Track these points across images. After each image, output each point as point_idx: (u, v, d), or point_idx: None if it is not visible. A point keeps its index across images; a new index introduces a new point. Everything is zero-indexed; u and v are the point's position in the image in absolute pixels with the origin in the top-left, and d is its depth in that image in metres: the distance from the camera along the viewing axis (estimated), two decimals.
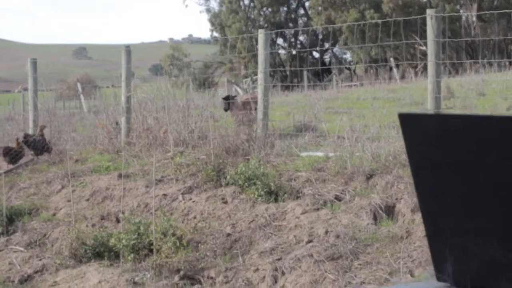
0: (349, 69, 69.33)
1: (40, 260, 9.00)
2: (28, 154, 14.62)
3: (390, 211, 8.31)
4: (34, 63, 16.39)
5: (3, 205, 10.58)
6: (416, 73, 30.56)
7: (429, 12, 9.85)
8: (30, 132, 15.70)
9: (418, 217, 7.88)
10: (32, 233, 10.02)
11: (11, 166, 13.83)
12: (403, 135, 1.71)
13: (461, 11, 55.12)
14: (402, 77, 33.52)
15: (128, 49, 14.32)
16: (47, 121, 16.53)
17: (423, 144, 1.68)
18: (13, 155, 14.15)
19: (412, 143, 1.71)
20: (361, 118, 14.36)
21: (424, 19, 10.53)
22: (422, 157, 1.69)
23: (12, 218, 10.73)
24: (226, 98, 14.79)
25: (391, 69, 38.63)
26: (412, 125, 1.68)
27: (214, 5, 78.30)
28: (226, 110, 14.50)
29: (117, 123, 15.25)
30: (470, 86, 21.45)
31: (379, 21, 13.35)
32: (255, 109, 12.89)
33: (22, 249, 9.53)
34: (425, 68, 16.99)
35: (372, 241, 7.42)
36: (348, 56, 71.20)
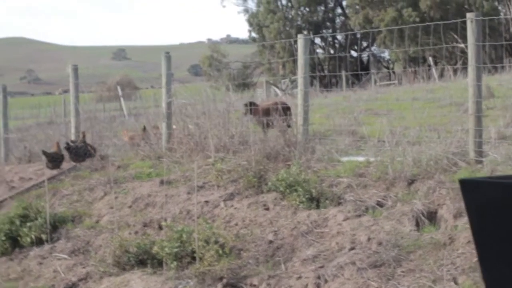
0: (387, 67, 68.97)
1: (84, 267, 9.09)
2: (70, 160, 14.79)
3: (432, 217, 8.28)
4: (76, 69, 16.51)
5: (46, 213, 10.68)
6: (455, 71, 30.29)
7: (469, 16, 9.78)
8: (72, 137, 15.88)
9: (461, 222, 7.84)
10: (76, 241, 10.13)
11: (54, 173, 13.99)
12: (464, 201, 1.60)
13: (499, 7, 54.49)
14: (441, 75, 33.22)
15: (168, 55, 14.39)
16: (89, 127, 16.70)
17: (486, 212, 1.57)
18: (55, 160, 14.43)
19: (474, 211, 1.59)
20: (401, 120, 14.30)
21: (463, 16, 10.48)
22: (486, 226, 1.58)
23: (56, 225, 10.84)
24: (248, 105, 14.73)
25: (429, 67, 38.34)
26: (473, 191, 1.57)
27: (252, 5, 78.02)
28: (245, 114, 14.42)
29: (144, 128, 15.39)
30: (509, 85, 21.25)
31: (420, 24, 13.25)
32: (280, 114, 13.05)
33: (66, 256, 9.63)
34: (464, 65, 16.83)
35: (415, 248, 7.39)
36: (386, 54, 70.77)
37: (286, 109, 13.97)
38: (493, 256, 1.60)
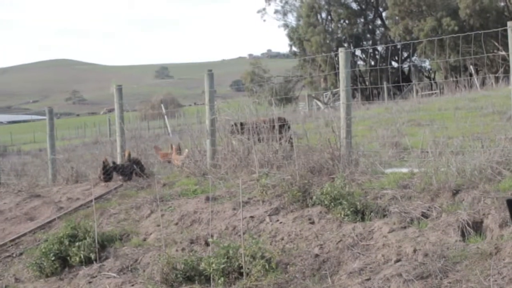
0: (428, 77, 68.59)
1: (133, 285, 9.16)
2: (117, 180, 15.01)
3: (478, 227, 8.25)
4: (120, 89, 16.70)
5: (95, 232, 10.81)
6: (496, 79, 30.05)
7: (510, 23, 9.73)
8: (118, 156, 16.10)
9: (507, 232, 7.82)
10: (124, 259, 10.22)
11: (101, 192, 14.17)
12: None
13: None
14: (483, 83, 32.99)
15: (210, 72, 14.50)
16: (134, 145, 16.89)
17: None
18: (107, 173, 14.84)
19: None
20: (444, 130, 14.24)
21: (504, 24, 10.44)
22: None
23: (104, 244, 10.96)
24: (235, 125, 14.92)
25: (471, 75, 38.09)
26: None
27: (292, 19, 78.40)
28: (232, 133, 14.64)
29: (179, 146, 15.63)
30: None
31: (461, 34, 13.21)
32: (270, 131, 13.32)
33: (115, 275, 9.72)
34: (506, 73, 16.72)
35: (461, 259, 7.37)
36: (427, 64, 70.42)
37: (281, 125, 14.08)
38: None
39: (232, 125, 14.88)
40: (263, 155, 12.74)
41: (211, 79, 14.46)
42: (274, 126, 13.72)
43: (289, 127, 13.93)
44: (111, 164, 15.18)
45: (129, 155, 15.22)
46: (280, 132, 13.51)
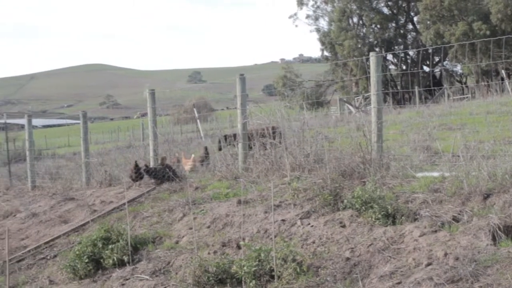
0: (460, 82, 68.21)
1: None
2: (149, 183, 15.16)
3: (509, 231, 8.22)
4: (153, 94, 16.82)
5: (128, 235, 10.92)
6: None
7: None
8: (151, 160, 16.25)
9: None
10: (157, 262, 10.31)
11: (134, 195, 14.30)
12: None
13: None
14: None
15: (242, 76, 14.56)
16: (166, 149, 17.03)
17: None
18: (136, 174, 15.06)
19: None
20: (475, 134, 14.20)
21: None
22: None
23: (137, 247, 11.08)
24: (225, 137, 15.99)
25: (502, 80, 37.83)
26: None
27: (324, 24, 78.27)
28: (220, 149, 15.88)
29: (206, 149, 15.77)
30: None
31: (492, 38, 13.19)
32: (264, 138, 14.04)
33: (147, 277, 9.80)
34: None
35: (492, 263, 7.36)
36: (458, 68, 70.05)
37: (273, 133, 14.51)
38: None
39: (219, 140, 15.96)
40: (294, 159, 12.79)
41: (243, 83, 14.53)
42: (269, 134, 14.30)
43: (280, 134, 14.27)
44: (142, 166, 15.39)
45: (163, 159, 15.37)
46: (273, 138, 14.05)
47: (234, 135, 15.27)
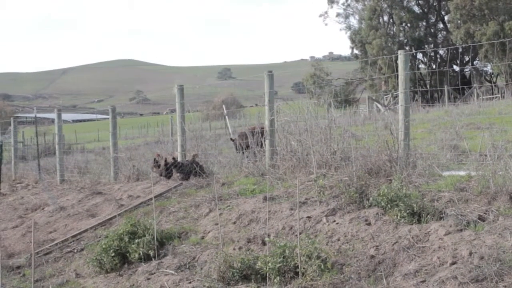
0: (489, 81, 67.75)
1: (190, 283, 9.26)
2: (177, 179, 15.23)
3: None
4: (181, 90, 16.89)
5: (154, 229, 10.97)
6: None
7: None
8: (179, 156, 16.32)
9: None
10: (182, 256, 10.34)
11: (161, 190, 14.37)
12: None
13: None
14: None
15: (270, 73, 14.58)
16: (194, 145, 17.08)
17: None
18: (166, 172, 15.18)
19: None
20: (504, 134, 14.12)
21: None
22: None
23: (163, 241, 11.12)
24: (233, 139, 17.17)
25: None
26: None
27: (354, 22, 78.42)
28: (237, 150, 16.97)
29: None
30: None
31: None
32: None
33: (172, 272, 9.83)
34: None
35: None
36: (488, 68, 69.59)
37: (262, 133, 15.37)
38: None
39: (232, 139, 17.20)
40: (321, 156, 12.79)
41: (271, 80, 14.55)
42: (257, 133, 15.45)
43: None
44: (166, 160, 15.52)
45: (194, 157, 15.46)
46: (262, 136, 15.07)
47: (245, 134, 15.70)
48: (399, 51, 12.45)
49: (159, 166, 15.78)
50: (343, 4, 78.79)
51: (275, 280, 8.40)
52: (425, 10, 74.84)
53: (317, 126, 13.92)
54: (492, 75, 71.71)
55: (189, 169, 14.96)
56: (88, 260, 11.27)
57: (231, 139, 17.26)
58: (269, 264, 8.51)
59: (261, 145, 15.57)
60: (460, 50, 59.40)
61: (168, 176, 15.54)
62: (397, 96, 12.74)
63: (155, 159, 16.31)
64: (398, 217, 9.30)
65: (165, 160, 15.69)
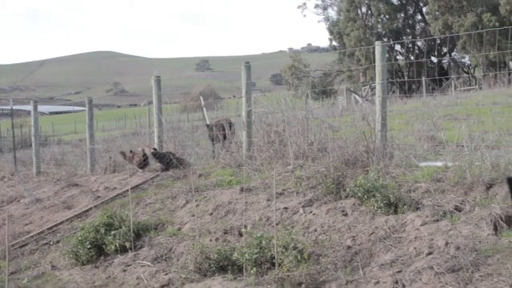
0: (467, 73, 68.10)
1: (166, 274, 9.24)
2: (153, 170, 15.18)
3: (511, 221, 8.17)
4: (158, 81, 16.82)
5: (130, 221, 10.91)
6: None
7: None
8: (156, 147, 16.27)
9: None
10: (159, 248, 10.32)
11: (138, 182, 14.31)
12: None
13: None
14: None
15: (247, 64, 14.55)
16: (171, 137, 17.03)
17: None
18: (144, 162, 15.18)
19: None
20: (480, 125, 14.16)
21: None
22: None
23: (139, 233, 11.08)
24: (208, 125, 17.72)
25: (510, 71, 37.76)
26: None
27: (332, 14, 78.24)
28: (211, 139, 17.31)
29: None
30: None
31: (498, 28, 13.13)
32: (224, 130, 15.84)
33: (149, 263, 9.81)
34: None
35: (493, 252, 7.34)
36: (466, 60, 69.93)
37: (230, 126, 16.14)
38: None
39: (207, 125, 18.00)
40: (298, 147, 12.77)
41: (248, 71, 14.51)
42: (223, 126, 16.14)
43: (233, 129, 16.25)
44: (144, 151, 15.55)
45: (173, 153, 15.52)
46: (229, 130, 15.96)
47: (215, 125, 16.23)
48: (376, 42, 12.45)
49: (127, 159, 15.89)
50: None
51: (252, 271, 8.38)
52: (403, 1, 74.93)
53: (295, 117, 13.89)
54: (470, 67, 72.04)
55: (167, 160, 14.93)
56: (64, 252, 11.21)
57: (206, 125, 17.34)
58: (246, 255, 8.49)
59: (224, 137, 16.03)
60: (438, 41, 59.59)
61: (143, 166, 15.52)
62: (375, 87, 12.72)
63: (122, 152, 16.41)
64: (375, 208, 9.31)
65: (143, 151, 15.64)
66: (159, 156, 15.19)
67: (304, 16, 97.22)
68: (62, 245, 12.02)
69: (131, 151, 16.22)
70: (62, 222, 13.25)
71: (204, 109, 31.85)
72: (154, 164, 15.42)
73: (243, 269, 8.55)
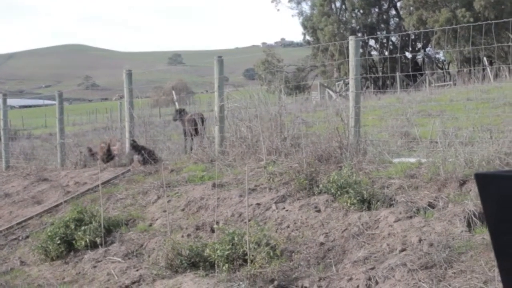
0: (441, 68, 68.45)
1: (137, 270, 9.17)
2: (138, 162, 15.08)
3: (484, 218, 8.18)
4: (129, 75, 16.69)
5: (101, 216, 10.81)
6: (510, 71, 29.91)
7: None
8: (126, 141, 16.17)
9: None
10: (129, 244, 10.23)
11: (109, 177, 14.19)
12: (480, 196, 1.59)
13: None
14: (496, 75, 32.84)
15: (220, 59, 14.47)
16: (143, 131, 16.91)
17: (501, 206, 1.56)
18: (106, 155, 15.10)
19: (490, 205, 1.59)
20: (454, 121, 14.19)
21: None
22: (501, 220, 1.57)
23: (110, 229, 10.98)
24: (180, 111, 17.90)
25: (484, 67, 37.98)
26: (489, 186, 1.56)
27: (306, 8, 78.31)
28: (175, 120, 18.26)
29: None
30: None
31: (473, 24, 13.16)
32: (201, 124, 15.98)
33: (120, 259, 9.73)
34: None
35: (466, 249, 7.31)
36: (441, 55, 70.30)
37: (202, 121, 16.35)
38: (507, 247, 1.60)
39: (177, 110, 18.28)
40: (271, 143, 12.70)
41: (220, 65, 14.43)
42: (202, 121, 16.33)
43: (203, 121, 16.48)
44: (109, 145, 15.54)
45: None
46: (202, 125, 16.10)
47: (184, 111, 16.62)
48: (350, 37, 12.40)
49: (93, 155, 15.86)
50: None
51: (224, 268, 8.31)
52: None
53: (268, 113, 13.82)
54: (444, 62, 72.41)
55: (148, 151, 14.88)
56: (33, 247, 11.10)
57: (176, 110, 17.55)
58: (218, 251, 8.42)
59: (196, 132, 16.02)
60: (413, 37, 59.88)
61: (108, 161, 15.47)
62: (348, 83, 12.68)
63: (89, 147, 16.37)
64: (348, 204, 9.25)
65: (108, 146, 15.58)
66: (138, 148, 15.08)
67: (278, 10, 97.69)
68: (31, 240, 11.89)
69: (94, 147, 16.26)
70: (31, 217, 13.10)
71: (177, 103, 31.72)
72: (131, 156, 15.30)
73: (215, 265, 8.47)
